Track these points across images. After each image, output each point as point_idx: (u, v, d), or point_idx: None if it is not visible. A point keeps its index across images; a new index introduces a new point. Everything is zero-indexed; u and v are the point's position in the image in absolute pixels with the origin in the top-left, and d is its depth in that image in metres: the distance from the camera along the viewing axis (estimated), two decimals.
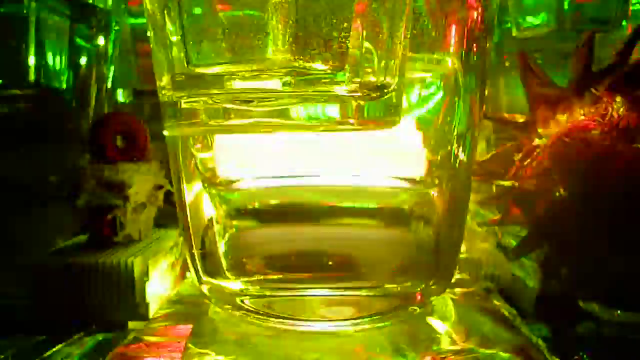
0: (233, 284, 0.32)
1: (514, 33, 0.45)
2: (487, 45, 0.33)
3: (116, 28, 0.51)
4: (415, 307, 0.32)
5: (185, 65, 0.28)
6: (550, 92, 0.34)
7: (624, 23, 0.43)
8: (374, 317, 0.31)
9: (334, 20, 0.27)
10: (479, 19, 0.31)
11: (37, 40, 0.42)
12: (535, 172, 0.34)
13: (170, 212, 0.38)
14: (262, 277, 0.32)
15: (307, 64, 0.27)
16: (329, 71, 0.27)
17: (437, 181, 0.32)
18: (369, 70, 0.27)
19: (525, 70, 0.35)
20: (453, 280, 0.35)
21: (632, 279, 0.31)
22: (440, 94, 0.31)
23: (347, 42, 0.26)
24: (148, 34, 0.30)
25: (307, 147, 0.31)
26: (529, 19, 0.44)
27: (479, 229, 0.40)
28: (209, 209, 0.32)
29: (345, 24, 0.26)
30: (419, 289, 0.32)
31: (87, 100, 0.47)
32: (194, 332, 0.31)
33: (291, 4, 0.26)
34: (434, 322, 0.32)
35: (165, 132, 0.31)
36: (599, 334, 0.31)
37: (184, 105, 0.29)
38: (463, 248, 0.36)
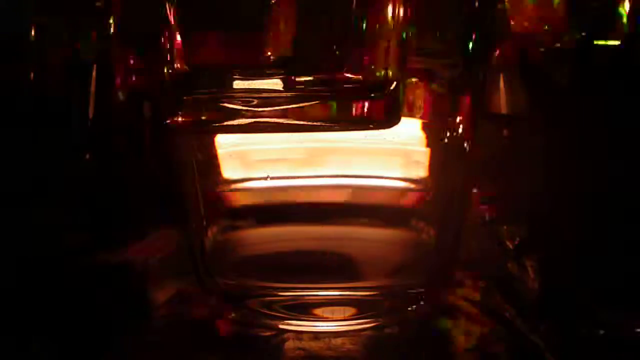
0: (233, 283, 0.32)
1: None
2: (488, 44, 0.33)
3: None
4: (415, 307, 0.32)
5: (186, 64, 0.28)
6: (550, 92, 0.34)
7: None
8: (374, 317, 0.31)
9: (335, 20, 0.27)
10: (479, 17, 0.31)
11: (37, 39, 0.42)
12: (535, 171, 0.34)
13: (170, 212, 0.38)
14: (261, 276, 0.32)
15: (308, 64, 0.27)
16: (329, 71, 0.27)
17: (437, 181, 0.32)
18: (369, 69, 0.27)
19: (525, 69, 0.35)
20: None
21: (632, 279, 0.31)
22: (441, 92, 0.31)
23: (348, 41, 0.26)
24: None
25: (307, 147, 0.31)
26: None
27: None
28: (210, 209, 0.32)
29: (346, 24, 0.26)
30: (419, 289, 0.32)
31: (87, 100, 0.47)
32: (193, 331, 0.31)
33: (292, 4, 0.26)
34: None
35: (166, 132, 0.31)
36: (600, 334, 0.31)
37: (184, 105, 0.29)
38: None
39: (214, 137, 0.31)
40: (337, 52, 0.27)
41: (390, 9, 0.27)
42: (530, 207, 0.35)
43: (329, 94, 0.27)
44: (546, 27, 0.35)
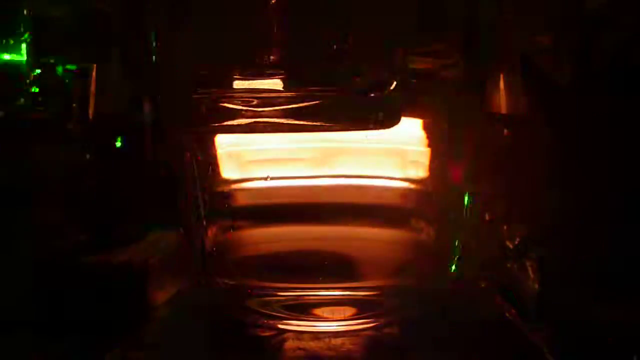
0: (233, 283, 0.32)
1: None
2: (489, 44, 0.33)
3: None
4: (415, 307, 0.32)
5: (187, 64, 0.28)
6: (550, 92, 0.34)
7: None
8: (374, 317, 0.31)
9: (335, 20, 0.27)
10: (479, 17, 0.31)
11: (37, 39, 0.42)
12: (535, 171, 0.34)
13: (170, 212, 0.38)
14: (262, 276, 0.32)
15: (308, 64, 0.27)
16: (329, 71, 0.27)
17: (437, 181, 0.32)
18: (370, 69, 0.27)
19: (525, 70, 0.35)
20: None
21: (632, 278, 0.31)
22: (441, 93, 0.31)
23: (348, 41, 0.26)
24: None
25: (307, 147, 0.31)
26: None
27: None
28: (210, 209, 0.32)
29: (346, 23, 0.26)
30: (419, 289, 0.32)
31: (87, 100, 0.47)
32: (194, 331, 0.31)
33: (292, 4, 0.26)
34: None
35: (167, 132, 0.31)
36: (599, 334, 0.31)
37: (185, 105, 0.29)
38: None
39: (214, 137, 0.31)
40: (337, 52, 0.27)
41: (389, 8, 0.27)
42: (530, 207, 0.35)
43: (328, 94, 0.27)
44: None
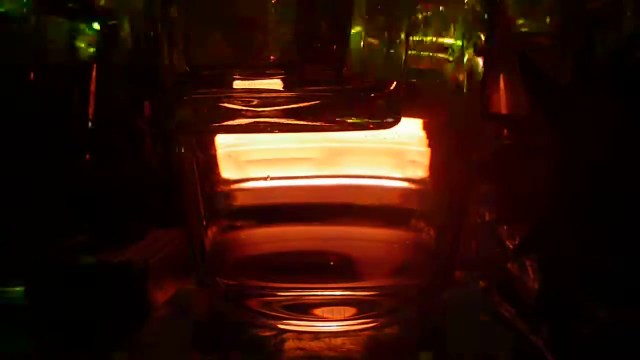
0: (233, 283, 0.32)
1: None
2: (489, 43, 0.33)
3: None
4: (415, 307, 0.32)
5: (186, 64, 0.28)
6: (550, 92, 0.34)
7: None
8: (374, 317, 0.31)
9: (335, 20, 0.27)
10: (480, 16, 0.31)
11: (37, 39, 0.42)
12: (535, 171, 0.34)
13: (170, 212, 0.38)
14: (262, 276, 0.32)
15: (308, 64, 0.27)
16: (329, 71, 0.27)
17: (437, 181, 0.32)
18: (370, 69, 0.27)
19: (525, 70, 0.35)
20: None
21: (632, 279, 0.31)
22: (441, 93, 0.31)
23: (348, 41, 0.26)
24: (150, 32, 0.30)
25: (307, 147, 0.31)
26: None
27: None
28: (210, 209, 0.32)
29: (346, 23, 0.26)
30: (419, 289, 0.32)
31: (87, 100, 0.47)
32: (193, 331, 0.31)
33: (291, 4, 0.26)
34: None
35: (166, 132, 0.31)
36: (599, 334, 0.31)
37: (184, 105, 0.29)
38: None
39: (214, 137, 0.31)
40: (337, 52, 0.27)
41: (390, 8, 0.27)
42: (530, 207, 0.35)
43: (328, 94, 0.27)
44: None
